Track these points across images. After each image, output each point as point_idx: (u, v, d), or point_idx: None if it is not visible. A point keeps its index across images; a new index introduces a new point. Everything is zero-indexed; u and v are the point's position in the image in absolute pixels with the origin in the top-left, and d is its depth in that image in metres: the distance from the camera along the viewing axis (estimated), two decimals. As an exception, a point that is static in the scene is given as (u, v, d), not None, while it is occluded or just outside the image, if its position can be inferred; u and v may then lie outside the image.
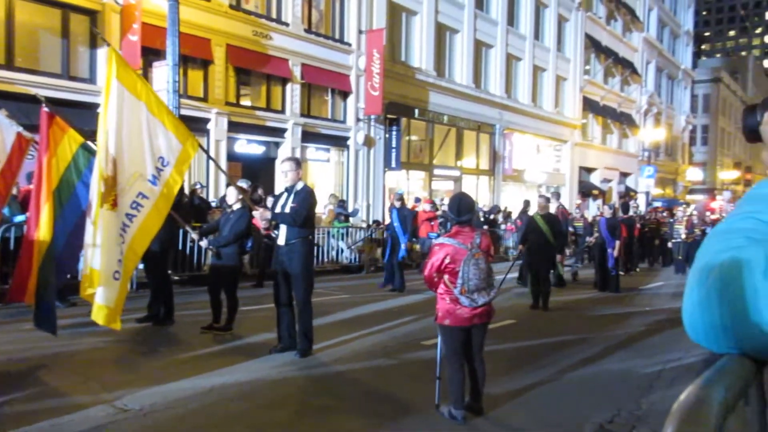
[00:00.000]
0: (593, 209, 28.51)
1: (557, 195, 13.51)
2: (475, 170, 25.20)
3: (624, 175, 36.63)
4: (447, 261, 4.27)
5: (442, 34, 22.89)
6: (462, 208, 4.48)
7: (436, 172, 23.15)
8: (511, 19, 26.58)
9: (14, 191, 8.23)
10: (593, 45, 32.02)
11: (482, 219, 18.21)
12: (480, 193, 25.06)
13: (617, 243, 12.11)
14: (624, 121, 35.63)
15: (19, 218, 8.35)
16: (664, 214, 23.26)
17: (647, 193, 32.28)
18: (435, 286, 4.40)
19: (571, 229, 16.11)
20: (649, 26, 39.46)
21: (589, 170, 33.50)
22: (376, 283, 11.81)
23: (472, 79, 24.06)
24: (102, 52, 12.85)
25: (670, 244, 17.72)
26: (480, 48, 24.87)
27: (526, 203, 14.79)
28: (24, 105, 9.58)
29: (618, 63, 34.14)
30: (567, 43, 30.92)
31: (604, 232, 12.10)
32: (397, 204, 11.50)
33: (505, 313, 8.87)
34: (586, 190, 32.06)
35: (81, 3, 12.92)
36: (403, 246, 11.19)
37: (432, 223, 13.50)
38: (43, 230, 5.25)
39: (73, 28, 13.03)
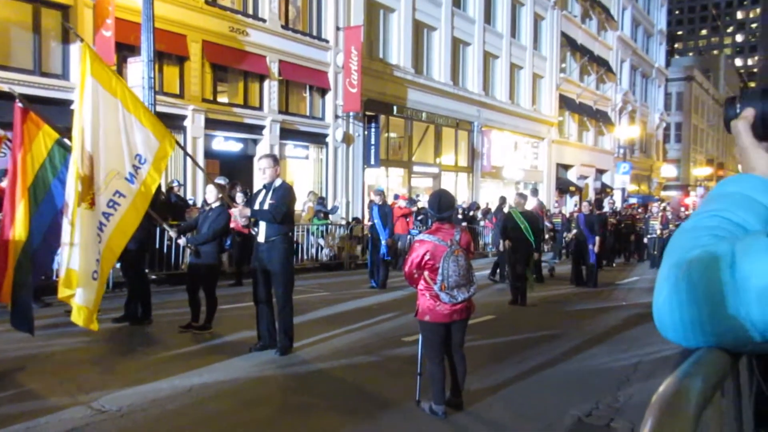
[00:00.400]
0: (570, 206, 28.86)
1: (536, 191, 13.63)
2: (454, 167, 25.29)
3: (600, 171, 37.08)
4: (427, 257, 4.29)
5: (419, 31, 22.92)
6: (442, 204, 4.50)
7: (415, 169, 23.20)
8: (488, 17, 26.72)
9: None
10: (569, 43, 32.33)
11: (461, 216, 18.29)
12: (459, 189, 25.16)
13: (597, 239, 12.27)
14: (600, 118, 36.05)
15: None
16: (640, 210, 23.61)
17: (623, 190, 32.71)
18: (415, 282, 4.43)
19: (549, 225, 16.30)
20: (623, 25, 39.96)
21: (566, 167, 33.84)
22: (356, 281, 11.78)
23: (450, 77, 24.14)
24: (75, 48, 12.63)
25: (645, 240, 17.99)
26: (457, 45, 24.96)
27: (502, 200, 14.91)
28: (-5, 102, 9.38)
29: (593, 61, 34.52)
30: (543, 41, 31.17)
31: (584, 228, 12.24)
32: (378, 200, 11.51)
33: (484, 309, 8.92)
34: (563, 187, 32.38)
35: (53, -2, 12.68)
36: (383, 242, 11.20)
37: (407, 219, 13.52)
38: (18, 229, 5.14)
39: (44, 23, 12.78)
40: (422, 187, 24.20)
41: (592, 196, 33.19)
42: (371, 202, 11.87)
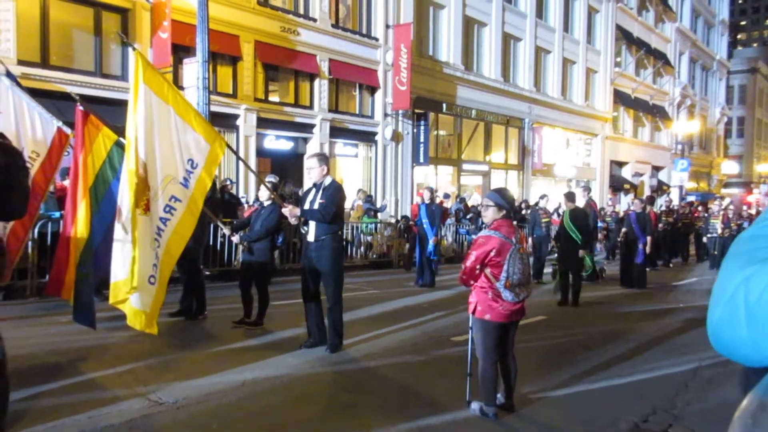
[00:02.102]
0: (625, 204, 28.06)
1: (588, 189, 13.27)
2: (504, 165, 24.99)
3: (656, 168, 35.98)
4: (493, 254, 4.18)
5: (469, 27, 22.72)
6: (501, 203, 4.43)
7: (465, 167, 23.02)
8: (540, 11, 26.26)
9: (51, 188, 8.42)
10: (624, 36, 31.45)
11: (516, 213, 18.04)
12: (509, 187, 24.81)
13: (648, 238, 11.91)
14: (656, 113, 34.96)
15: (57, 215, 8.53)
16: (699, 208, 22.78)
17: (681, 187, 31.62)
18: (475, 278, 4.27)
19: (602, 224, 15.90)
20: (682, 16, 38.62)
21: (621, 164, 32.98)
22: (405, 279, 11.77)
23: (501, 73, 23.85)
24: (136, 47, 13.03)
25: (705, 239, 17.34)
26: (508, 41, 24.63)
27: (540, 197, 14.58)
28: (58, 102, 9.77)
29: (650, 54, 33.49)
30: (597, 35, 30.43)
31: (635, 226, 11.89)
32: (426, 199, 11.46)
33: (534, 309, 8.78)
34: (617, 185, 31.58)
35: (113, 1, 13.13)
36: (431, 242, 11.15)
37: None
38: (80, 227, 5.33)
39: (105, 26, 13.25)
40: (472, 186, 24.00)
41: (648, 193, 32.25)
42: (420, 200, 11.80)
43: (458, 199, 19.47)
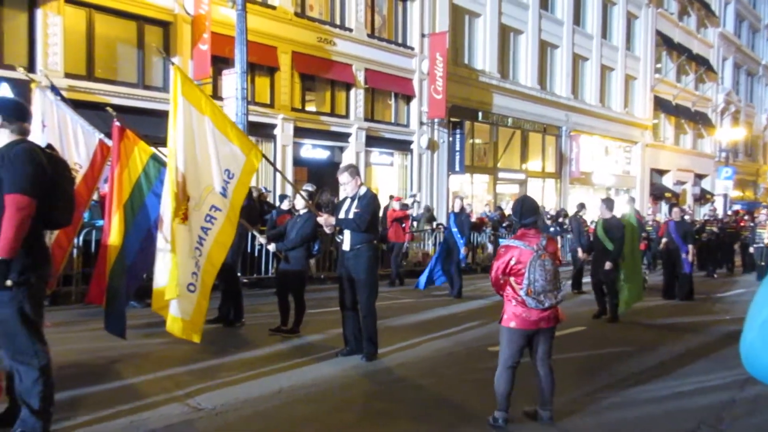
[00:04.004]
0: (666, 213, 27.40)
1: (632, 200, 12.95)
2: (541, 173, 24.71)
3: (699, 177, 35.07)
4: (512, 263, 4.21)
5: (505, 35, 22.60)
6: (525, 210, 4.41)
7: (501, 175, 22.84)
8: (578, 18, 25.97)
9: (95, 196, 8.65)
10: (665, 42, 30.84)
11: (549, 222, 17.80)
12: (546, 196, 24.57)
13: (690, 247, 11.58)
14: (699, 120, 34.13)
15: (100, 223, 8.75)
16: (745, 217, 22.11)
17: (725, 196, 30.73)
18: (501, 288, 4.34)
19: (643, 233, 15.54)
20: (725, 21, 37.70)
21: (662, 172, 32.26)
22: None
23: (537, 81, 23.64)
24: (175, 62, 13.33)
25: (751, 249, 16.78)
26: (545, 48, 24.41)
27: (580, 206, 14.32)
28: (102, 114, 10.00)
29: (692, 60, 32.76)
30: (636, 41, 29.93)
31: (675, 236, 11.56)
32: (456, 208, 11.34)
33: (575, 319, 8.64)
34: (658, 193, 30.89)
35: (155, 15, 13.47)
36: (462, 251, 11.03)
37: (403, 224, 12.91)
38: (113, 238, 5.44)
39: (147, 39, 13.59)
40: (508, 194, 23.79)
41: (690, 202, 31.48)
42: (451, 210, 11.64)
43: (495, 208, 19.33)
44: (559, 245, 18.02)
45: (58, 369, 3.87)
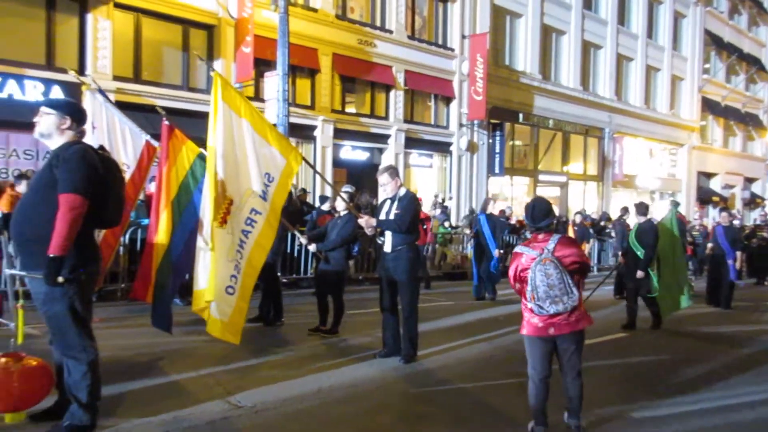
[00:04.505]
0: (714, 217, 26.61)
1: (676, 204, 12.56)
2: (583, 176, 24.29)
3: (749, 180, 33.95)
4: (520, 269, 4.10)
5: (547, 35, 22.30)
6: (536, 214, 4.19)
7: (541, 177, 22.54)
8: (622, 18, 25.45)
9: (141, 196, 8.87)
10: (714, 42, 29.97)
11: (590, 226, 17.48)
12: (587, 199, 24.15)
13: (739, 254, 11.19)
14: (749, 122, 33.06)
15: (146, 221, 8.97)
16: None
17: (777, 200, 29.70)
18: (521, 294, 4.20)
19: (689, 238, 15.14)
20: (778, 19, 36.40)
21: (709, 175, 31.35)
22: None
23: (580, 82, 23.26)
24: (217, 64, 13.60)
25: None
26: (588, 49, 24.00)
27: (624, 210, 13.98)
28: (149, 115, 10.27)
29: (742, 60, 31.76)
30: (684, 40, 29.17)
31: (723, 242, 11.18)
32: (488, 210, 11.18)
33: (614, 326, 8.46)
34: (705, 197, 30.02)
35: (199, 19, 13.75)
36: (496, 254, 10.88)
37: (424, 226, 12.42)
38: (161, 236, 5.56)
39: (192, 42, 13.88)
40: (548, 197, 23.40)
41: (739, 206, 30.51)
42: (481, 211, 11.39)
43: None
44: (599, 249, 17.68)
45: (104, 364, 3.98)
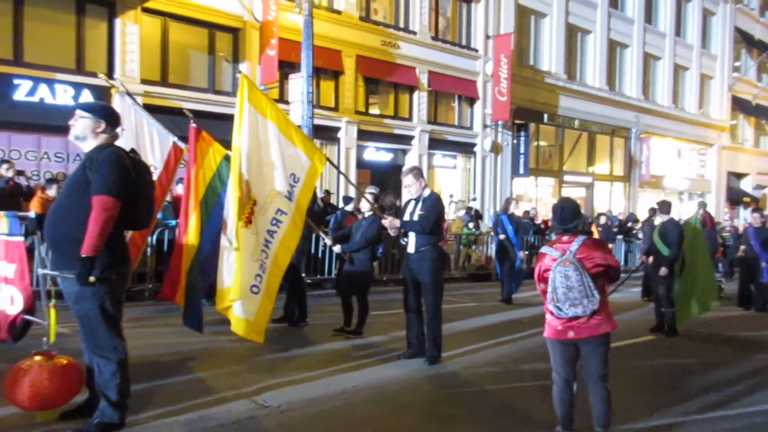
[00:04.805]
0: (745, 218, 26.08)
1: (704, 204, 12.34)
2: (609, 176, 24.01)
3: (781, 181, 33.20)
4: (543, 269, 4.03)
5: (572, 35, 22.09)
6: (566, 215, 4.09)
7: (567, 178, 22.33)
8: (649, 16, 25.10)
9: (168, 197, 8.99)
10: (744, 39, 29.40)
11: (617, 228, 17.26)
12: (614, 200, 23.85)
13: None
14: (781, 121, 32.33)
15: (173, 222, 9.10)
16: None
17: (810, 201, 29.01)
18: (543, 295, 4.10)
19: (719, 239, 14.88)
20: (811, 15, 35.53)
21: (740, 176, 30.73)
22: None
23: (606, 81, 22.99)
24: (242, 67, 13.73)
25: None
26: (614, 48, 23.72)
27: (652, 211, 13.75)
28: (176, 118, 10.40)
29: (774, 57, 31.06)
30: (713, 38, 28.65)
31: (754, 243, 10.93)
32: (511, 209, 11.08)
33: (643, 328, 8.34)
34: (735, 198, 29.44)
35: (225, 22, 13.90)
36: (520, 254, 10.78)
37: None
38: (191, 236, 5.64)
39: (217, 45, 14.04)
40: (574, 198, 23.20)
41: (771, 207, 29.82)
42: (502, 211, 11.27)
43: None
44: (626, 251, 17.44)
45: (133, 363, 4.04)
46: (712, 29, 28.68)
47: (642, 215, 20.21)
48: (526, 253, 11.05)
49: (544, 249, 4.15)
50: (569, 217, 4.10)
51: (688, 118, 26.82)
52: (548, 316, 4.06)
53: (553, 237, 4.45)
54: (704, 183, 28.54)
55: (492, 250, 15.08)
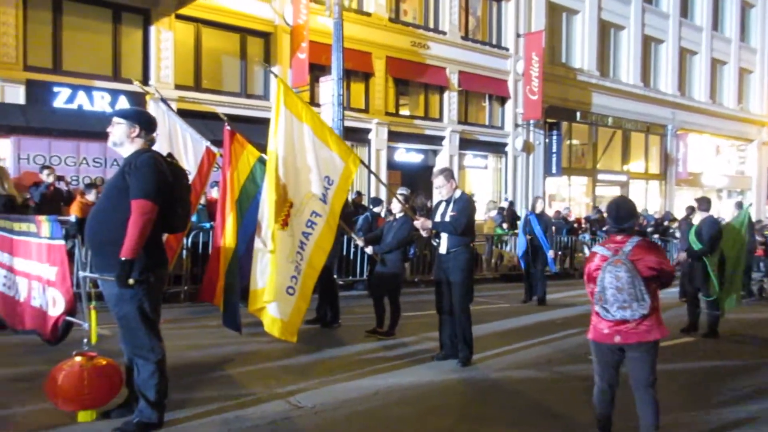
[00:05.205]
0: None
1: (740, 204, 12.00)
2: (644, 174, 23.57)
3: (825, 176, 32.14)
4: (593, 267, 3.90)
5: (605, 31, 21.76)
6: (621, 214, 3.95)
7: (600, 177, 21.99)
8: (685, 10, 24.58)
9: (202, 200, 9.14)
10: (785, 31, 28.54)
11: (651, 228, 16.93)
12: (649, 198, 23.40)
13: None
14: (825, 115, 31.30)
15: (207, 225, 9.23)
16: None
17: None
18: (591, 296, 3.98)
19: (759, 238, 14.49)
20: None
21: (781, 172, 29.85)
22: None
23: (640, 78, 22.58)
24: (274, 71, 13.87)
25: None
26: (649, 44, 23.28)
27: (690, 209, 13.43)
28: (209, 122, 10.62)
29: (816, 50, 30.09)
30: (752, 31, 27.92)
31: None
32: (538, 209, 10.91)
33: (678, 330, 8.16)
34: (777, 195, 28.60)
35: (256, 27, 14.07)
36: (550, 255, 10.63)
37: None
38: (228, 238, 5.73)
39: (249, 50, 14.22)
40: (608, 196, 22.86)
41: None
42: (531, 210, 11.09)
43: (594, 210, 18.60)
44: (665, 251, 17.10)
45: (170, 364, 4.11)
46: (751, 22, 27.95)
47: (679, 214, 19.84)
48: (560, 253, 10.86)
49: (595, 248, 4.05)
50: (625, 216, 3.95)
51: (726, 113, 26.17)
52: (594, 318, 3.94)
53: (586, 237, 4.38)
54: (744, 180, 27.81)
55: (515, 249, 14.96)
